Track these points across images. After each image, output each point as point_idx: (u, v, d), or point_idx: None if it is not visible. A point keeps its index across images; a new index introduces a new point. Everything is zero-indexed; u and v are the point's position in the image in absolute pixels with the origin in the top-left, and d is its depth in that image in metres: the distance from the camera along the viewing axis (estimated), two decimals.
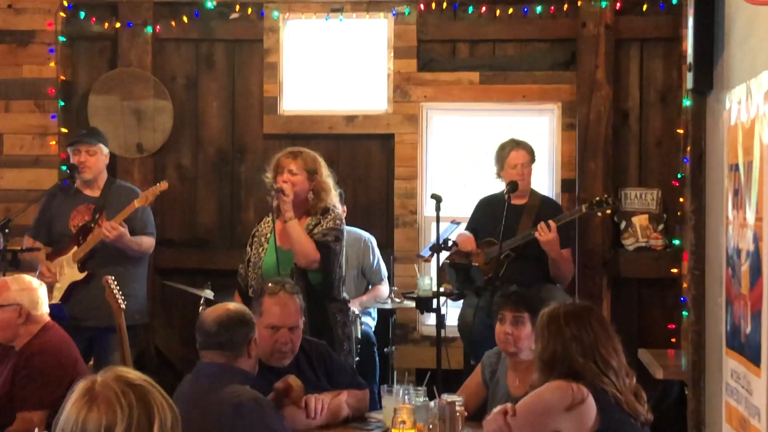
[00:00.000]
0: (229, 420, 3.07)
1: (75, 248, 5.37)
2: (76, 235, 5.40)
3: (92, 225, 5.39)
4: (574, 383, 3.10)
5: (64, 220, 5.45)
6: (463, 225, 5.69)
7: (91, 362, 5.14)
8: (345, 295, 4.80)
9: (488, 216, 5.55)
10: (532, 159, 5.61)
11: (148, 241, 5.53)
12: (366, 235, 5.91)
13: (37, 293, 4.24)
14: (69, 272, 5.37)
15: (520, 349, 3.94)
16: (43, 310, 4.25)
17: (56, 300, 5.25)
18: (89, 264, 5.36)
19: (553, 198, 6.13)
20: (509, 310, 3.97)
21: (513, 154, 5.53)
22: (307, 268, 4.51)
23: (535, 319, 3.88)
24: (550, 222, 5.28)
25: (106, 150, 5.59)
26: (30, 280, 4.33)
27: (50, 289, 5.24)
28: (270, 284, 3.99)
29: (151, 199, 5.40)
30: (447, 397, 3.63)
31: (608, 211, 5.50)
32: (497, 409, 3.23)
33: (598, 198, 5.49)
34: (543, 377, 3.19)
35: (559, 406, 3.08)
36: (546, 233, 5.26)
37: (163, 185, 5.42)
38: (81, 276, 5.36)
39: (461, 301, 5.48)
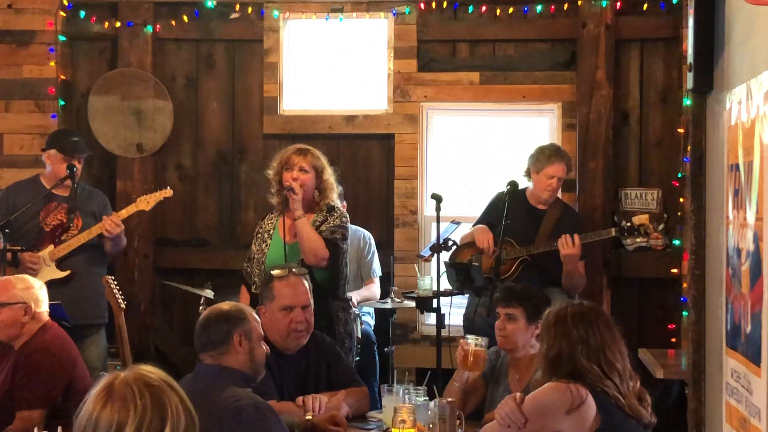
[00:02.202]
0: (229, 425, 3.05)
1: (51, 247, 5.38)
2: (50, 233, 5.40)
3: (69, 225, 5.40)
4: (572, 384, 3.09)
5: (34, 217, 5.44)
6: (464, 225, 5.66)
7: None
8: (348, 294, 4.83)
9: (508, 214, 5.42)
10: (569, 172, 5.53)
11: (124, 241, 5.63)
12: (365, 232, 5.92)
13: (40, 292, 4.26)
14: (46, 270, 5.35)
15: (516, 345, 3.95)
16: (44, 308, 4.26)
17: None
18: (65, 263, 5.38)
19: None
20: (501, 307, 4.00)
21: (555, 166, 5.37)
22: (315, 265, 4.52)
23: (528, 311, 3.90)
24: (575, 236, 5.20)
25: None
26: (32, 279, 4.35)
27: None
28: (277, 270, 4.03)
29: (152, 204, 5.43)
30: (470, 338, 3.85)
31: (638, 240, 5.38)
32: (508, 396, 3.23)
33: (629, 224, 5.37)
34: (547, 376, 3.18)
35: (558, 409, 3.07)
36: (569, 247, 5.18)
37: (167, 192, 5.45)
38: (62, 275, 5.36)
39: (466, 299, 5.48)
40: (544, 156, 5.41)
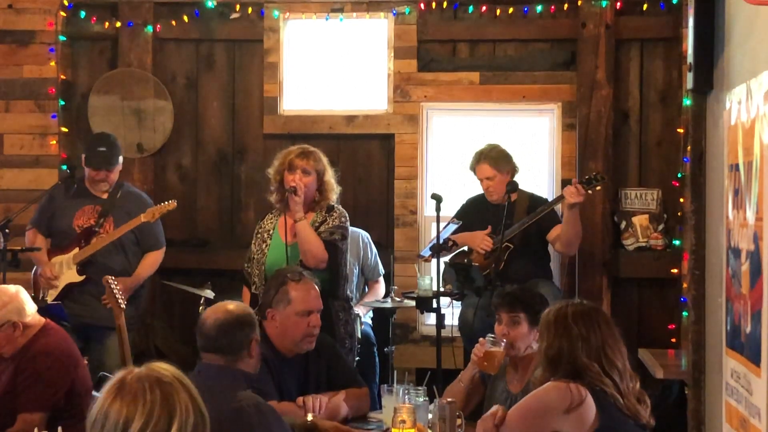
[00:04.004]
0: (230, 425, 3.06)
1: (76, 250, 5.39)
2: (78, 236, 5.42)
3: (97, 229, 5.42)
4: (572, 383, 3.10)
5: (68, 217, 5.47)
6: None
7: (85, 361, 5.15)
8: (349, 293, 4.83)
9: (477, 216, 5.54)
10: (502, 169, 5.50)
11: (152, 259, 5.60)
12: (362, 233, 5.91)
13: (19, 300, 4.11)
14: (68, 273, 5.39)
15: (518, 349, 3.94)
16: (31, 310, 4.14)
17: (51, 299, 5.26)
18: (89, 267, 5.38)
19: (552, 198, 6.14)
20: (505, 311, 3.96)
21: (480, 168, 5.52)
22: (315, 267, 4.53)
23: (531, 317, 3.89)
24: (577, 185, 5.18)
25: (122, 160, 5.64)
26: (5, 290, 4.16)
27: (46, 288, 5.28)
28: (289, 273, 4.03)
29: (157, 216, 5.45)
30: (490, 338, 3.83)
31: (598, 188, 5.38)
32: (490, 411, 3.23)
33: (587, 177, 5.32)
34: (546, 374, 3.18)
35: (558, 408, 3.08)
36: (576, 195, 5.13)
37: (171, 204, 5.46)
38: (80, 279, 5.39)
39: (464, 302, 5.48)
40: (473, 160, 5.58)
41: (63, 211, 5.49)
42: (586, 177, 5.34)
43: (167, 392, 1.95)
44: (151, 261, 5.60)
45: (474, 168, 5.56)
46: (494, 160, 5.51)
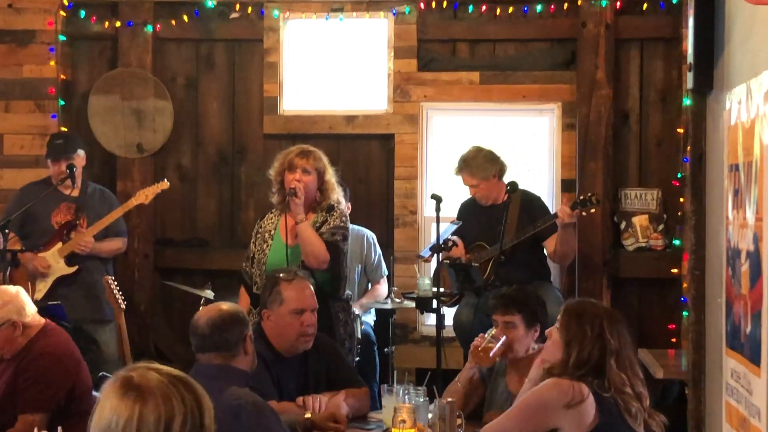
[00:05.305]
0: (228, 424, 3.05)
1: (59, 244, 5.48)
2: (59, 231, 5.51)
3: (76, 223, 5.53)
4: (576, 382, 3.11)
5: (45, 216, 5.56)
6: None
7: None
8: (348, 292, 4.83)
9: (472, 216, 5.52)
10: (487, 175, 5.46)
11: (117, 244, 5.71)
12: (368, 232, 5.92)
13: (19, 300, 4.08)
14: (56, 267, 5.47)
15: (516, 351, 3.94)
16: (31, 311, 4.11)
17: (41, 295, 5.29)
18: (76, 257, 5.48)
19: (552, 198, 6.14)
20: (499, 314, 3.94)
21: (462, 176, 5.50)
22: (316, 269, 4.52)
23: (527, 317, 3.89)
24: (568, 208, 5.16)
25: (83, 153, 5.72)
26: (5, 290, 4.15)
27: (34, 284, 5.31)
28: (282, 273, 4.04)
29: (150, 197, 5.53)
30: (489, 332, 3.86)
31: (592, 210, 5.37)
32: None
33: (582, 197, 5.29)
34: (565, 371, 3.18)
35: (558, 403, 3.10)
36: (571, 216, 5.13)
37: (164, 184, 5.55)
38: (71, 270, 5.48)
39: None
40: (456, 167, 5.54)
41: (39, 210, 5.55)
42: (581, 197, 5.27)
43: (187, 384, 1.95)
44: (115, 242, 5.69)
45: (457, 175, 5.54)
46: (474, 168, 5.47)
